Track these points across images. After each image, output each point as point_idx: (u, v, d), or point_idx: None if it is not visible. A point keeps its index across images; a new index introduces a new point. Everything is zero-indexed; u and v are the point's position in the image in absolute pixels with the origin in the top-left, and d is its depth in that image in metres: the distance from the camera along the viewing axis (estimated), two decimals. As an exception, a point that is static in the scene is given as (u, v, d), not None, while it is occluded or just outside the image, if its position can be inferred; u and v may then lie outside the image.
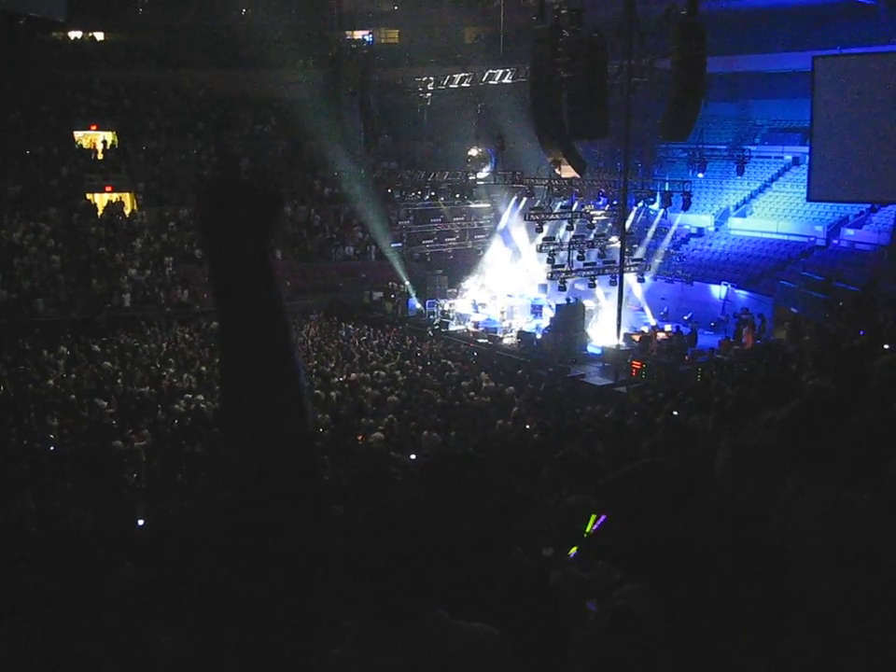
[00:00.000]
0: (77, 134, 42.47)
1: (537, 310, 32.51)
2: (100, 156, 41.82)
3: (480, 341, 30.26)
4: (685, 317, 31.78)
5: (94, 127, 43.03)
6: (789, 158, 39.82)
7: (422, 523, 2.27)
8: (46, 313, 32.05)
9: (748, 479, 2.89)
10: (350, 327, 32.81)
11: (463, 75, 37.62)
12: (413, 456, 12.82)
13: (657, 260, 34.47)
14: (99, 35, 49.74)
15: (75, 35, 48.77)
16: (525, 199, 34.46)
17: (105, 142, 42.72)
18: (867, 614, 2.69)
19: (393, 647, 2.13)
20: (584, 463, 5.62)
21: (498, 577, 2.82)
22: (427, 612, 2.20)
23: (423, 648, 2.13)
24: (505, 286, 35.23)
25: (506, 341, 30.18)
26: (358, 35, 51.95)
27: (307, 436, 1.56)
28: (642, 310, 33.04)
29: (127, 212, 39.36)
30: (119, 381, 22.68)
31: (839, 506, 3.08)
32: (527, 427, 16.12)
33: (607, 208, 34.30)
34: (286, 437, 1.52)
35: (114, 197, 39.92)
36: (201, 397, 20.68)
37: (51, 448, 16.69)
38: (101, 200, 39.59)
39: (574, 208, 33.42)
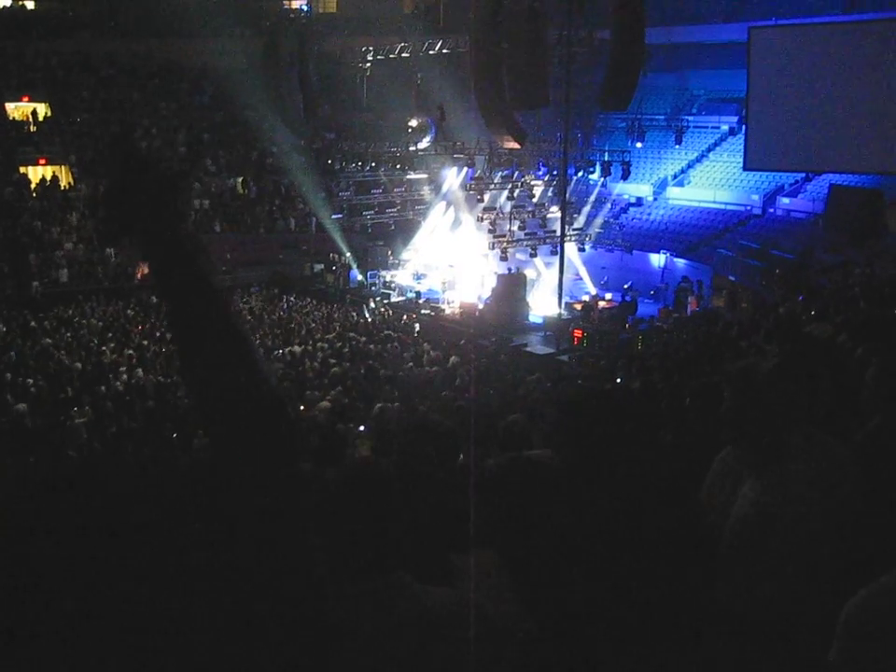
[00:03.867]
0: (9, 106, 41.44)
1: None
2: (33, 128, 40.91)
3: (422, 311, 30.26)
4: (625, 286, 32.06)
5: (26, 98, 41.97)
6: (725, 128, 40.27)
7: (383, 486, 2.32)
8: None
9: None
10: (292, 299, 32.66)
11: (402, 45, 37.43)
12: (361, 428, 12.79)
13: (597, 230, 34.73)
14: (30, 4, 48.54)
15: (4, 3, 47.49)
16: (465, 169, 34.46)
17: (36, 113, 41.78)
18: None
19: (356, 609, 2.16)
20: (527, 432, 5.71)
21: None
22: (389, 574, 2.23)
23: (386, 609, 2.16)
24: (446, 256, 35.24)
25: (448, 311, 30.21)
26: (296, 4, 51.39)
27: (269, 389, 1.63)
28: (580, 278, 33.29)
29: (62, 185, 38.61)
30: (60, 356, 22.37)
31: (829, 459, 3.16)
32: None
33: (547, 178, 34.44)
34: (247, 392, 1.59)
35: (48, 170, 39.12)
36: (140, 372, 20.49)
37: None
38: (35, 173, 38.79)
39: (514, 178, 33.50)
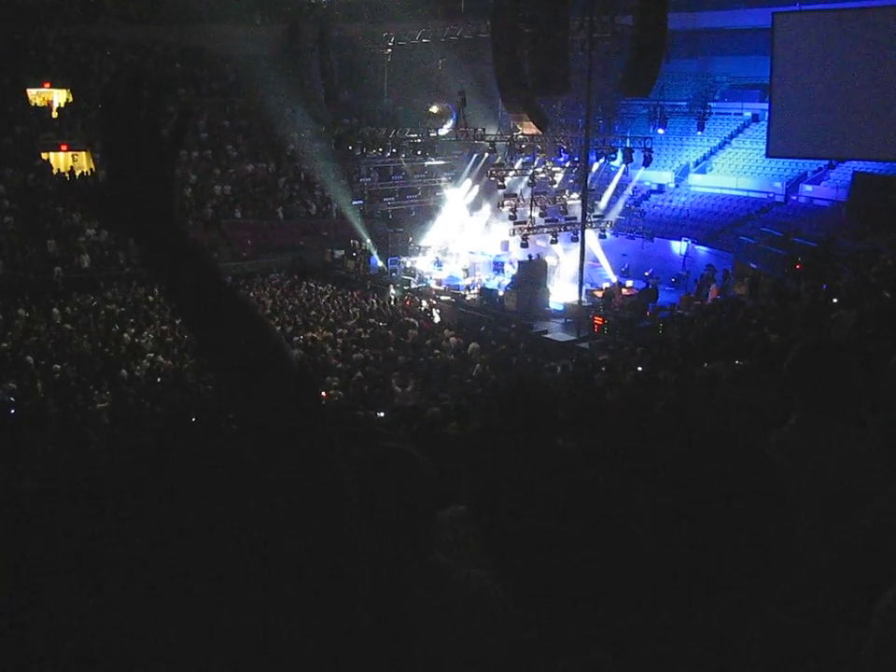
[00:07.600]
0: (31, 92, 41.53)
1: (498, 267, 32.56)
2: (54, 114, 41.02)
3: (443, 298, 30.21)
4: (646, 273, 31.93)
5: (48, 85, 42.06)
6: (748, 114, 39.99)
7: (414, 469, 2.28)
8: (2, 274, 31.56)
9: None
10: (312, 285, 32.71)
11: (423, 31, 37.32)
12: (381, 414, 12.84)
13: (618, 216, 34.59)
14: (51, -10, 48.60)
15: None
16: (486, 155, 34.36)
17: (58, 100, 41.86)
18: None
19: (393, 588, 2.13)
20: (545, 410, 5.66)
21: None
22: (425, 557, 2.20)
23: (421, 590, 2.13)
24: (467, 243, 35.18)
25: (468, 298, 30.14)
26: (317, -10, 51.27)
27: (290, 362, 1.63)
28: (599, 265, 33.15)
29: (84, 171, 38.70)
30: (82, 341, 22.49)
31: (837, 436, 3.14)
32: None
33: (568, 165, 34.31)
34: (272, 368, 1.59)
35: (70, 156, 39.24)
36: (161, 358, 20.58)
37: (11, 411, 16.52)
38: (56, 159, 38.93)
39: (535, 164, 33.39)
